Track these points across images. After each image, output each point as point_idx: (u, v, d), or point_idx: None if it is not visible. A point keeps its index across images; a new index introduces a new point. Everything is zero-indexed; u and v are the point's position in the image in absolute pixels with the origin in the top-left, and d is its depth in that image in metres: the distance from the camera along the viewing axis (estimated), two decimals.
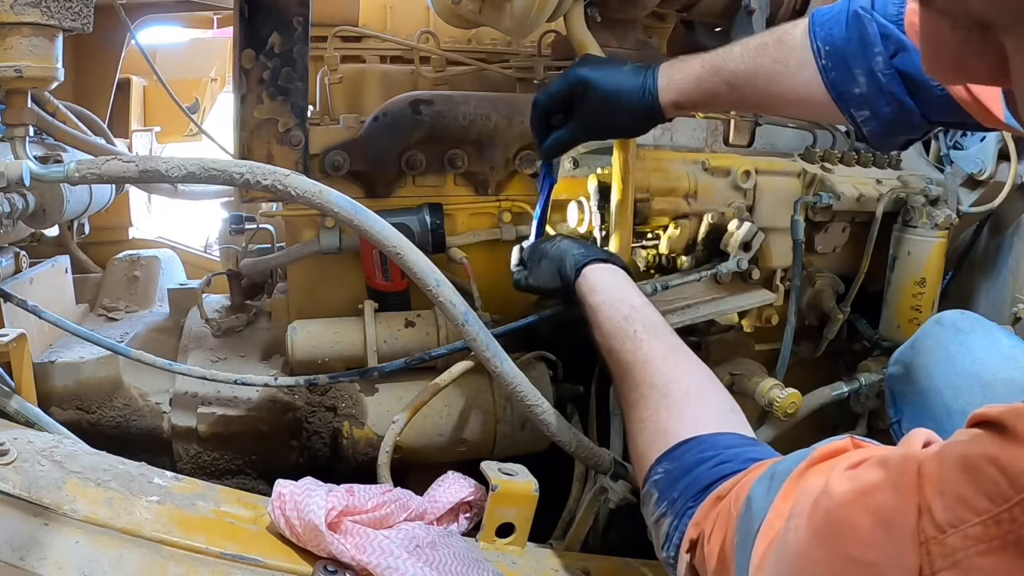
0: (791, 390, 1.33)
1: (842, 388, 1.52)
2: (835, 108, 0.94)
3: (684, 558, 0.73)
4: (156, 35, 2.68)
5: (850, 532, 0.49)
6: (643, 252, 1.47)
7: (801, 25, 0.96)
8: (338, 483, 1.00)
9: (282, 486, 0.95)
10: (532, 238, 1.24)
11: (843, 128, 1.70)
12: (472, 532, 1.09)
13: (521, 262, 1.21)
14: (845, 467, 0.55)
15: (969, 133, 1.70)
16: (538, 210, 1.24)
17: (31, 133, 1.09)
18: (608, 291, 1.02)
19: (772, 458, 0.74)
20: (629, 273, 1.09)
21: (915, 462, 0.49)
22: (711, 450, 0.78)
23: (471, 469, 1.13)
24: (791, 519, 0.55)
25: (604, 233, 1.36)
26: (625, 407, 0.94)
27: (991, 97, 0.80)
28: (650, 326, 0.96)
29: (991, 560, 0.43)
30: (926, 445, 0.53)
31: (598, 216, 1.36)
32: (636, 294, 1.03)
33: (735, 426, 0.84)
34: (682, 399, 0.87)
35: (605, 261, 1.07)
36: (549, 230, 1.28)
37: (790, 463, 0.63)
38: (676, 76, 1.05)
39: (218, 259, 1.77)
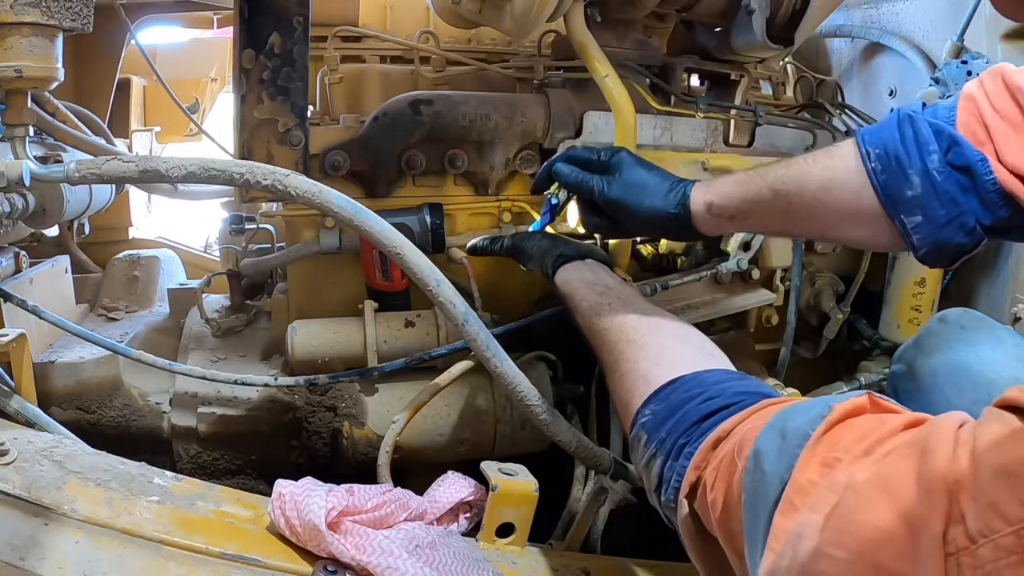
0: (791, 390, 1.33)
1: (842, 388, 1.52)
2: (885, 220, 0.89)
3: (684, 503, 0.71)
4: (156, 35, 2.68)
5: (872, 535, 0.48)
6: (643, 251, 1.47)
7: (850, 140, 0.93)
8: (338, 483, 1.00)
9: (282, 486, 0.95)
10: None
11: (843, 128, 1.70)
12: (472, 532, 1.09)
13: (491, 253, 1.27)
14: (872, 462, 0.52)
15: None
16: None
17: (31, 133, 1.09)
18: (583, 278, 1.07)
19: (765, 394, 0.73)
20: (610, 266, 1.13)
21: (947, 465, 0.46)
22: (697, 387, 0.78)
23: (471, 469, 1.13)
24: (812, 512, 0.53)
25: None
26: (608, 373, 0.94)
27: None
28: (625, 298, 1.00)
29: (1021, 572, 0.41)
30: (961, 427, 0.51)
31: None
32: (611, 278, 1.07)
33: (716, 365, 0.84)
34: (659, 348, 0.88)
35: (583, 257, 1.12)
36: (549, 229, 1.27)
37: (803, 422, 0.59)
38: (716, 183, 1.04)
39: (218, 259, 1.77)
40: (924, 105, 0.90)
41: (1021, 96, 0.82)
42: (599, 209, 1.12)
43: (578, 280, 1.07)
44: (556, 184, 1.18)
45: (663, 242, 1.42)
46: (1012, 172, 0.81)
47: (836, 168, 0.92)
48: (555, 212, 1.21)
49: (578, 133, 1.41)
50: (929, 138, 0.85)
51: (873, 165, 0.88)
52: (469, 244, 1.31)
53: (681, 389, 0.79)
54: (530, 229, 1.26)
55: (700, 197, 1.03)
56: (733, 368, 0.85)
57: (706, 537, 0.70)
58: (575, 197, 1.17)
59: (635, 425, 0.83)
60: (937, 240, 0.87)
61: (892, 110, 0.92)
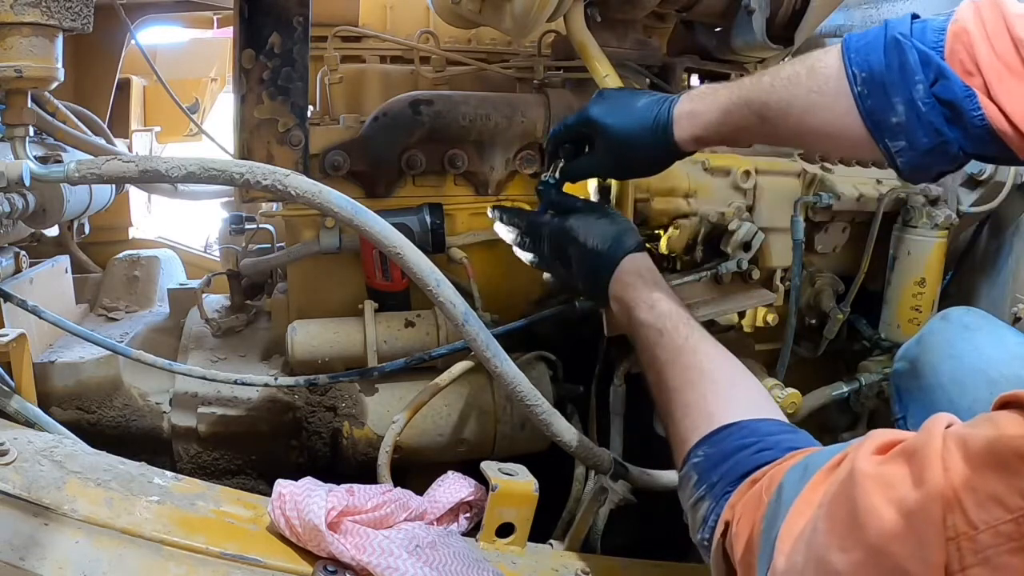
0: (791, 390, 1.33)
1: (842, 388, 1.52)
2: (870, 142, 0.90)
3: (717, 540, 0.73)
4: (156, 35, 2.68)
5: (874, 523, 0.50)
6: None
7: (834, 52, 0.92)
8: (338, 483, 1.00)
9: (282, 486, 0.95)
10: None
11: None
12: (472, 532, 1.09)
13: (524, 242, 1.18)
14: (872, 450, 0.54)
15: None
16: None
17: (31, 133, 1.09)
18: (659, 280, 1.03)
19: (810, 447, 0.74)
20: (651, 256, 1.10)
21: (939, 455, 0.48)
22: (752, 436, 0.78)
23: (471, 469, 1.13)
24: (820, 508, 0.55)
25: None
26: (666, 391, 0.93)
27: None
28: (692, 318, 0.99)
29: (1020, 559, 0.43)
30: (948, 427, 0.52)
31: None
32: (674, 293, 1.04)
33: (772, 413, 0.85)
34: (728, 387, 0.88)
35: (636, 249, 1.06)
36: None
37: (825, 456, 0.62)
38: (699, 108, 1.01)
39: (218, 259, 1.77)
40: (914, 16, 0.89)
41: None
42: (582, 144, 1.11)
43: (657, 278, 1.03)
44: (551, 168, 1.15)
45: (663, 242, 1.41)
46: (1002, 112, 0.81)
47: (822, 91, 0.92)
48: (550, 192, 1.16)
49: None
50: (916, 67, 0.85)
51: (859, 89, 0.88)
52: (492, 210, 1.23)
53: (737, 435, 0.80)
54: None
55: (686, 130, 1.01)
56: (783, 415, 0.86)
57: (732, 573, 0.71)
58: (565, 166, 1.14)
59: (687, 463, 0.83)
60: (920, 164, 0.89)
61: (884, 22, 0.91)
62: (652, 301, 0.99)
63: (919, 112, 0.85)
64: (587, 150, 1.12)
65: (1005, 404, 0.48)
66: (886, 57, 0.87)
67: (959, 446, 0.48)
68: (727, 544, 0.72)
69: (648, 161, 1.08)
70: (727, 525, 0.72)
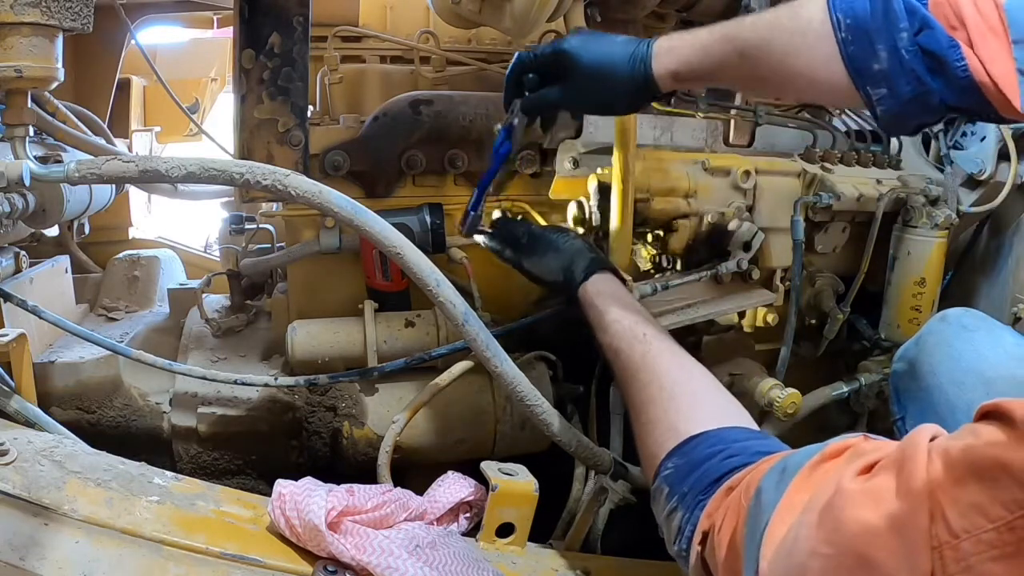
0: (791, 390, 1.33)
1: (842, 388, 1.52)
2: (851, 88, 0.89)
3: (696, 550, 0.73)
4: (156, 35, 2.68)
5: (861, 533, 0.50)
6: (643, 252, 1.47)
7: None
8: (338, 483, 1.00)
9: (282, 486, 0.95)
10: (470, 207, 1.20)
11: (843, 128, 1.70)
12: (472, 532, 1.09)
13: (503, 240, 1.21)
14: (857, 471, 0.55)
15: (969, 133, 1.70)
16: (486, 177, 1.19)
17: (31, 133, 1.09)
18: (616, 297, 1.06)
19: (782, 451, 0.74)
20: (625, 284, 1.13)
21: (923, 467, 0.49)
22: (720, 444, 0.79)
23: (471, 469, 1.13)
24: (803, 514, 0.55)
25: (604, 233, 1.36)
26: (632, 408, 0.95)
27: (1011, 85, 0.80)
28: (656, 331, 1.00)
29: (1002, 566, 0.44)
30: (932, 440, 0.53)
31: (598, 216, 1.36)
32: (638, 305, 1.07)
33: (741, 422, 0.85)
34: (690, 400, 0.89)
35: (612, 271, 1.12)
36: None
37: (801, 457, 0.63)
38: (678, 44, 0.99)
39: (218, 259, 1.77)
40: None
41: (1004, 13, 0.81)
42: (550, 78, 1.06)
43: (613, 298, 1.05)
44: (509, 112, 1.11)
45: (663, 242, 1.41)
46: (984, 67, 0.81)
47: (805, 33, 0.91)
48: (512, 133, 1.12)
49: (578, 133, 1.41)
50: (901, 15, 0.85)
51: (843, 35, 0.88)
52: (494, 218, 1.25)
53: (704, 444, 0.81)
54: (481, 179, 1.19)
55: (664, 65, 0.99)
56: (754, 423, 0.87)
57: None
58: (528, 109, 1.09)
59: (658, 476, 0.84)
60: (900, 114, 0.89)
61: None
62: (606, 324, 1.03)
63: (902, 60, 0.85)
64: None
65: (986, 415, 0.49)
66: (871, 4, 0.87)
67: (942, 458, 0.49)
68: (706, 553, 0.72)
69: (621, 95, 1.03)
70: (706, 534, 0.72)
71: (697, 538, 0.73)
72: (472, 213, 1.20)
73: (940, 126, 1.73)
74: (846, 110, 1.75)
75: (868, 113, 0.92)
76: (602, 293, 1.06)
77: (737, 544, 0.65)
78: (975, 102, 0.84)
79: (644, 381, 0.93)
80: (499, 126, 1.13)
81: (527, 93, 1.09)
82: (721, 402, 0.90)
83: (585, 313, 1.08)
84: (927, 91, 0.86)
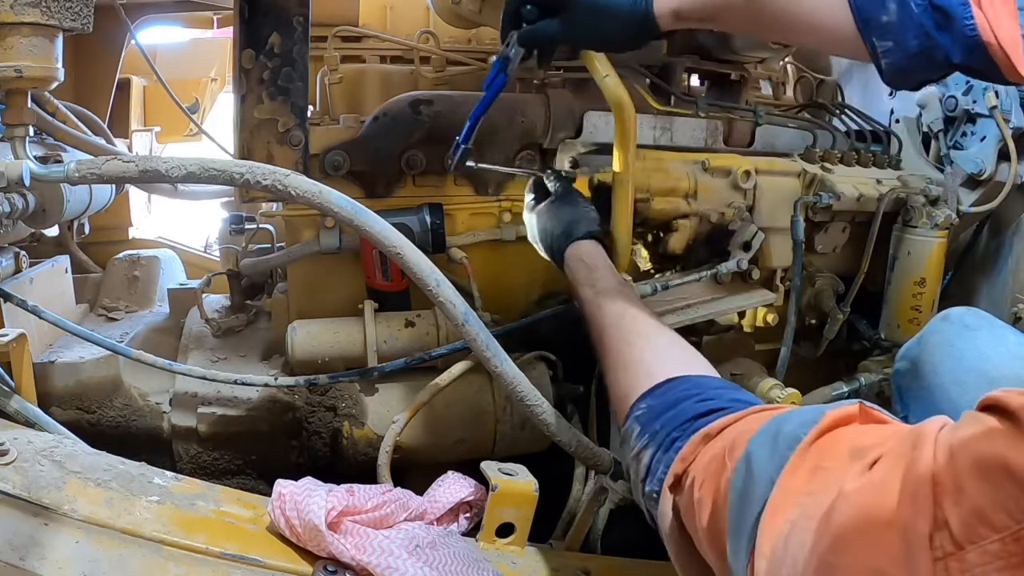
0: (791, 390, 1.33)
1: (842, 388, 1.52)
2: (856, 38, 0.89)
3: (668, 495, 0.72)
4: (156, 35, 2.68)
5: (863, 540, 0.49)
6: (643, 252, 1.47)
7: None
8: (338, 483, 1.00)
9: (282, 486, 0.95)
10: (461, 140, 1.17)
11: (843, 128, 1.70)
12: (472, 532, 1.09)
13: (535, 197, 1.26)
14: (859, 472, 0.53)
15: (969, 133, 1.70)
16: (479, 108, 1.17)
17: (31, 133, 1.09)
18: (607, 262, 1.11)
19: (754, 404, 0.74)
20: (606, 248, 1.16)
21: (929, 468, 0.48)
22: (695, 388, 0.80)
23: (471, 469, 1.13)
24: (803, 516, 0.54)
25: (604, 233, 1.36)
26: (609, 353, 0.96)
27: (1016, 49, 0.80)
28: (636, 296, 1.05)
29: None
30: (941, 429, 0.52)
31: (598, 216, 1.36)
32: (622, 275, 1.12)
33: (713, 375, 0.86)
34: (668, 346, 0.92)
35: (598, 239, 1.15)
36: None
37: (795, 426, 0.60)
38: None
39: (218, 259, 1.77)
40: None
41: None
42: (549, 11, 1.04)
43: (602, 259, 1.10)
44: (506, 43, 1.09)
45: (663, 242, 1.41)
46: (992, 29, 0.81)
47: None
48: (507, 66, 1.10)
49: (578, 133, 1.41)
50: None
51: None
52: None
53: (680, 387, 0.81)
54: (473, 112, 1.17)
55: (666, 2, 0.98)
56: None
57: (683, 530, 0.71)
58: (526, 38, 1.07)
59: (629, 418, 0.84)
60: (905, 68, 0.88)
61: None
62: (592, 280, 1.06)
63: (911, 13, 0.85)
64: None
65: (988, 407, 0.48)
66: None
67: (945, 454, 0.48)
68: (679, 500, 0.70)
69: (620, 30, 1.02)
70: (679, 478, 0.70)
71: (669, 480, 0.71)
72: (462, 146, 1.17)
73: (940, 126, 1.73)
74: (846, 110, 1.75)
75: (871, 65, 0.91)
76: (594, 254, 1.11)
77: (720, 506, 0.63)
78: (980, 62, 0.84)
79: (625, 328, 0.95)
80: (494, 58, 1.11)
81: (525, 25, 1.07)
82: (693, 356, 0.91)
83: (571, 268, 1.11)
84: (933, 46, 0.85)
